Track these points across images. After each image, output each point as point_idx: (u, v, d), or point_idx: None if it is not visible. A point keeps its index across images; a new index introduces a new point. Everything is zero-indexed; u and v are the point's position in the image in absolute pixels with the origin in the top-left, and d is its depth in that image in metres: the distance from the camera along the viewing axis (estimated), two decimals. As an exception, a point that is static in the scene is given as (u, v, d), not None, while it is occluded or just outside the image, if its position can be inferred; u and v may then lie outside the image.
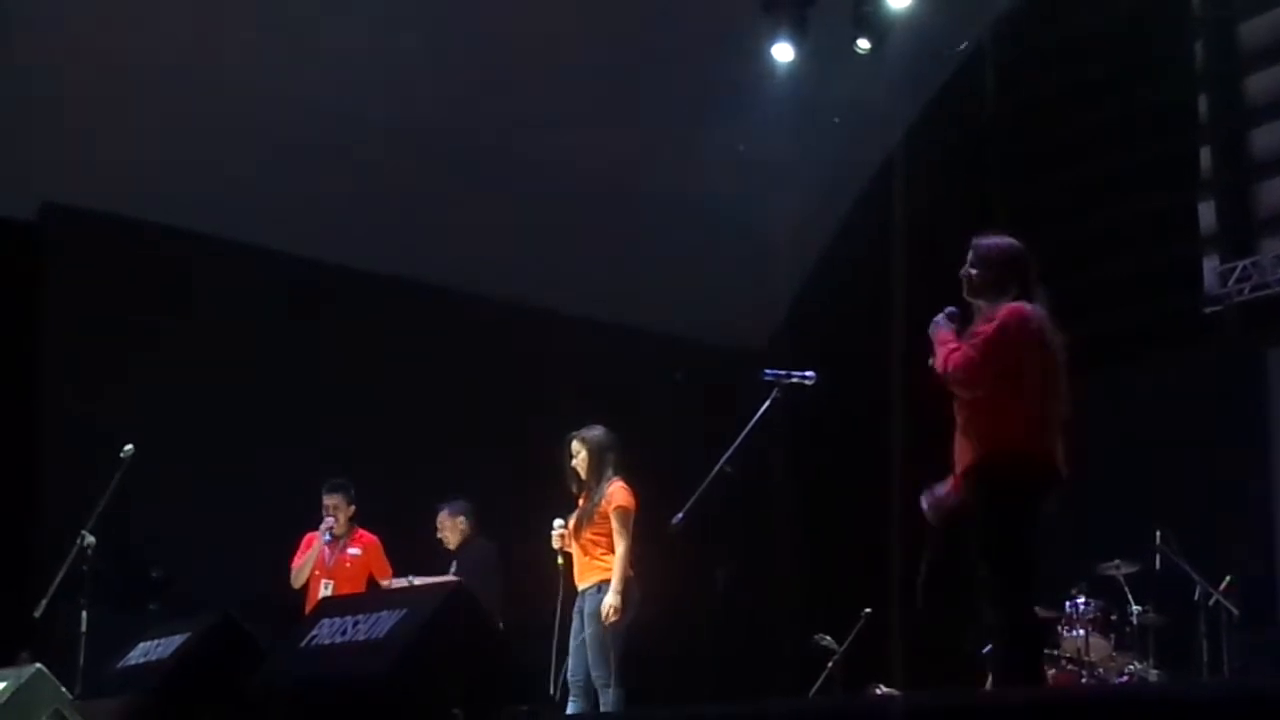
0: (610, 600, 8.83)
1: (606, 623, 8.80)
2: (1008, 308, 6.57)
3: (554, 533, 9.25)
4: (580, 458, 9.26)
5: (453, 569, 10.50)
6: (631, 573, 9.02)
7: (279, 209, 12.24)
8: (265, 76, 11.91)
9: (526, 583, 9.61)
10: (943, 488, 6.82)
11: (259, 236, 12.45)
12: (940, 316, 6.76)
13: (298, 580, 10.46)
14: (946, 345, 6.61)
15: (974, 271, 6.75)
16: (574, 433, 9.36)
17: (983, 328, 6.55)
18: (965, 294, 6.78)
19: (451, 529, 10.75)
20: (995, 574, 6.47)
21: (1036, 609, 8.23)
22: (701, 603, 8.53)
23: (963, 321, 6.75)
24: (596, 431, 9.30)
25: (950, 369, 6.49)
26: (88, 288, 11.98)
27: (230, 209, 12.16)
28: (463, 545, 10.71)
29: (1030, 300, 6.66)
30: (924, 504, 6.87)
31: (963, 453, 6.60)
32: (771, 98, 12.83)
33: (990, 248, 6.79)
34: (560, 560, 9.26)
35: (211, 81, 11.76)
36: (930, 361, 6.70)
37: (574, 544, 9.17)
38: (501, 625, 9.85)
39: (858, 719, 3.80)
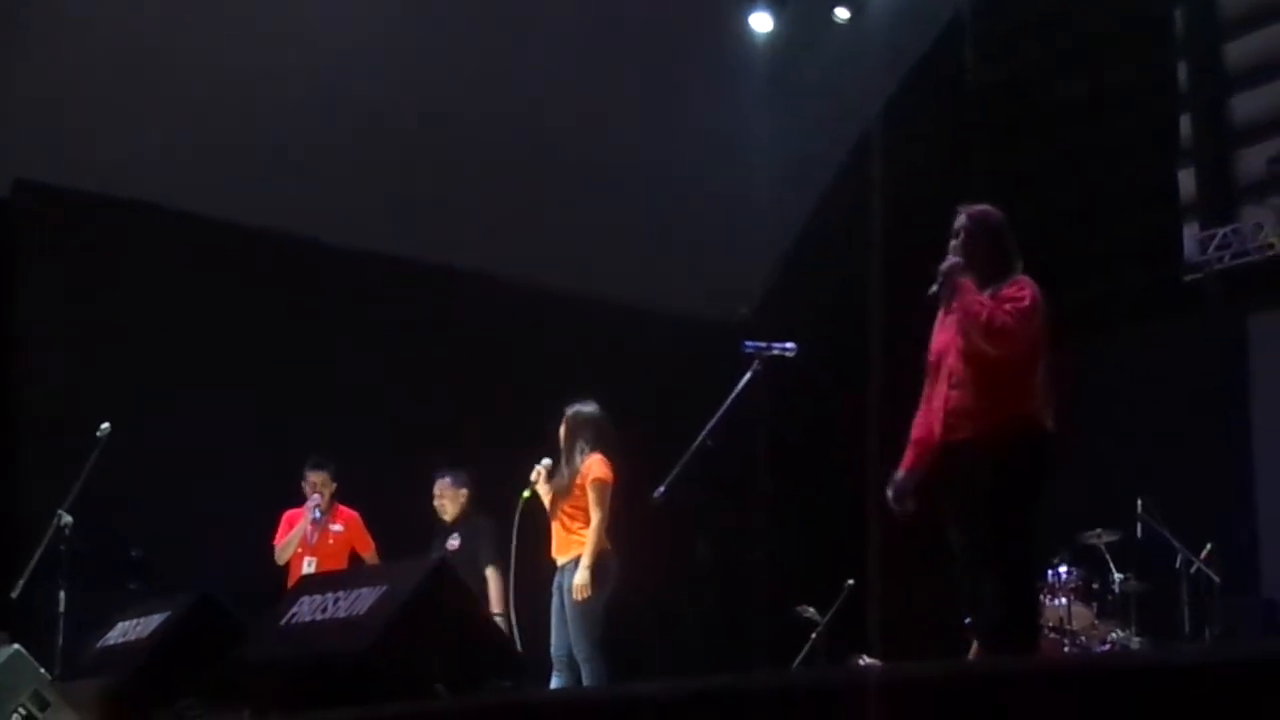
0: (580, 577, 8.83)
1: (578, 599, 8.80)
2: (1029, 281, 6.62)
3: (536, 468, 9.26)
4: (561, 431, 9.24)
5: (454, 542, 10.41)
6: (609, 546, 9.02)
7: (255, 184, 12.17)
8: (239, 51, 11.83)
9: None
10: (899, 474, 6.78)
11: (234, 213, 12.38)
12: (957, 261, 6.66)
13: (282, 557, 10.43)
14: (979, 296, 6.55)
15: (970, 241, 6.71)
16: (569, 407, 9.35)
17: (1010, 292, 6.54)
18: (958, 256, 6.71)
19: (452, 499, 10.56)
20: (1005, 542, 6.43)
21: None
22: (684, 576, 8.53)
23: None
24: (581, 407, 9.29)
25: (997, 324, 6.44)
26: (62, 265, 11.90)
27: (205, 185, 12.09)
28: (461, 518, 10.58)
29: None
30: (890, 496, 6.80)
31: (972, 415, 6.55)
32: (750, 68, 12.80)
33: (987, 214, 6.79)
34: (526, 494, 9.26)
35: (185, 56, 11.68)
36: (932, 289, 6.65)
37: (553, 518, 9.16)
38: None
39: (841, 690, 3.77)
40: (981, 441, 6.48)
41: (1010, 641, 6.34)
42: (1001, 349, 6.47)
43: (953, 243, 6.72)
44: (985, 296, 6.55)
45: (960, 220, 6.76)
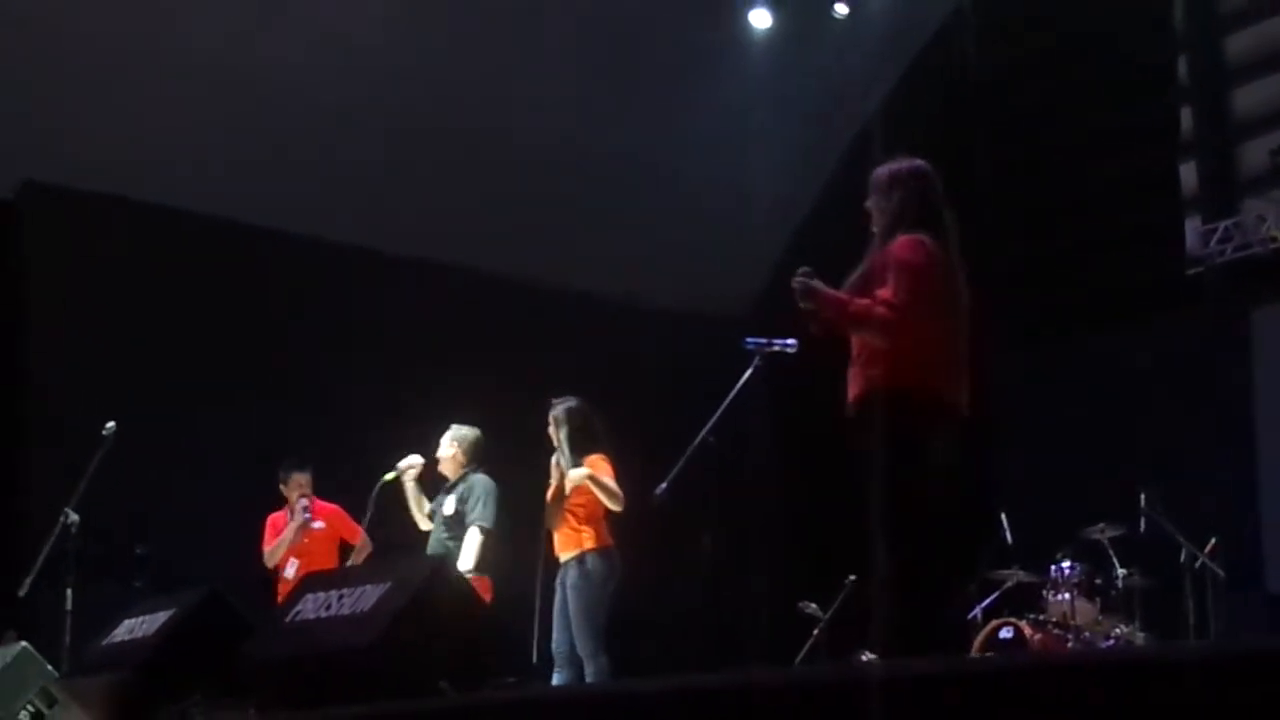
0: (582, 470, 9.01)
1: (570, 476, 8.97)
2: (901, 242, 6.12)
3: (553, 464, 9.27)
4: (552, 428, 9.26)
5: (449, 507, 9.98)
6: (613, 543, 9.05)
7: (255, 183, 12.21)
8: (245, 50, 11.87)
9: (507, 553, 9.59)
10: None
11: (238, 212, 12.41)
12: (800, 280, 6.25)
13: (271, 560, 10.47)
14: (851, 304, 6.10)
15: (868, 202, 6.36)
16: (552, 402, 9.36)
17: (892, 266, 6.06)
18: (872, 226, 6.37)
19: None
20: (888, 543, 5.98)
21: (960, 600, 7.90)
22: (686, 573, 8.52)
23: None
24: (569, 402, 9.31)
25: (881, 318, 5.98)
26: (68, 265, 11.96)
27: (207, 184, 12.12)
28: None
29: (931, 226, 6.21)
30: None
31: (852, 384, 6.16)
32: (750, 64, 12.81)
33: (879, 174, 6.39)
34: (552, 481, 9.28)
35: (183, 57, 11.73)
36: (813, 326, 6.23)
37: (554, 516, 9.17)
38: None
39: (844, 686, 3.78)
40: (854, 416, 6.10)
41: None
42: (892, 338, 6.01)
43: (866, 204, 6.40)
44: (844, 297, 6.14)
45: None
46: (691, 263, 14.02)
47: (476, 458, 9.83)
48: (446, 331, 13.18)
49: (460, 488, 9.69)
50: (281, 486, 10.67)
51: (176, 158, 11.92)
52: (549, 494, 9.23)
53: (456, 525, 9.53)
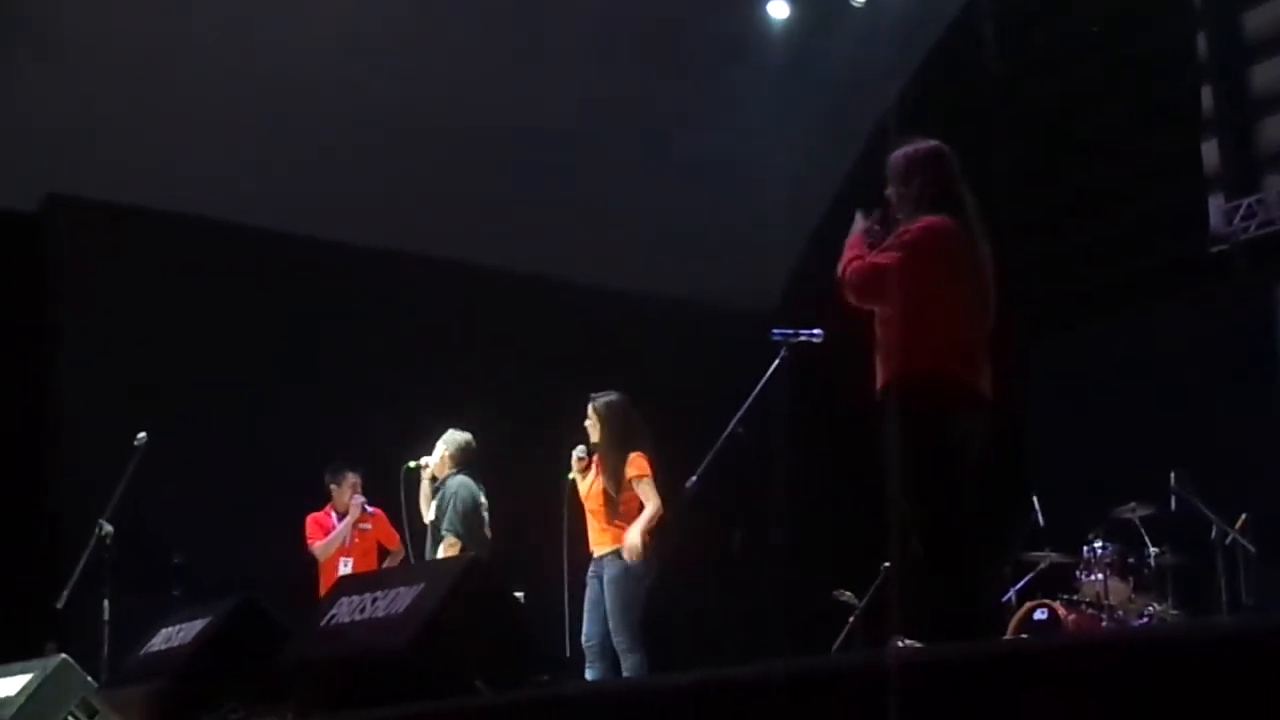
0: (633, 538, 8.89)
1: (629, 557, 8.86)
2: (922, 223, 6.10)
3: (574, 458, 9.30)
4: (592, 423, 9.26)
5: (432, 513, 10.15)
6: (650, 540, 9.05)
7: (283, 192, 12.24)
8: (265, 59, 11.90)
9: (543, 550, 9.62)
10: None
11: (264, 220, 12.44)
12: (858, 221, 6.36)
13: (324, 555, 10.59)
14: (850, 251, 6.23)
15: (888, 190, 6.36)
16: (592, 396, 9.37)
17: (895, 243, 6.11)
18: (895, 213, 6.35)
19: None
20: (921, 525, 5.98)
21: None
22: (719, 564, 8.53)
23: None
24: (609, 397, 9.31)
25: (847, 276, 6.13)
26: (94, 277, 12.02)
27: (231, 193, 12.16)
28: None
29: (951, 208, 6.21)
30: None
31: (878, 373, 6.17)
32: (767, 55, 12.80)
33: (895, 160, 6.40)
34: (574, 477, 9.33)
35: (207, 66, 11.76)
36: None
37: (590, 511, 9.19)
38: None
39: (880, 674, 3.79)
40: (880, 402, 6.11)
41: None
42: (866, 299, 6.12)
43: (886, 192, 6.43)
44: (859, 249, 6.21)
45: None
46: (714, 255, 14.00)
47: (460, 461, 9.96)
48: (470, 330, 13.21)
49: (441, 491, 9.84)
50: (332, 486, 10.77)
51: (192, 166, 11.96)
52: (586, 491, 9.25)
53: (435, 528, 9.74)
